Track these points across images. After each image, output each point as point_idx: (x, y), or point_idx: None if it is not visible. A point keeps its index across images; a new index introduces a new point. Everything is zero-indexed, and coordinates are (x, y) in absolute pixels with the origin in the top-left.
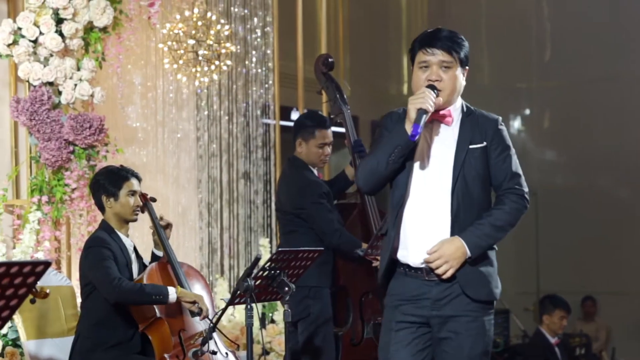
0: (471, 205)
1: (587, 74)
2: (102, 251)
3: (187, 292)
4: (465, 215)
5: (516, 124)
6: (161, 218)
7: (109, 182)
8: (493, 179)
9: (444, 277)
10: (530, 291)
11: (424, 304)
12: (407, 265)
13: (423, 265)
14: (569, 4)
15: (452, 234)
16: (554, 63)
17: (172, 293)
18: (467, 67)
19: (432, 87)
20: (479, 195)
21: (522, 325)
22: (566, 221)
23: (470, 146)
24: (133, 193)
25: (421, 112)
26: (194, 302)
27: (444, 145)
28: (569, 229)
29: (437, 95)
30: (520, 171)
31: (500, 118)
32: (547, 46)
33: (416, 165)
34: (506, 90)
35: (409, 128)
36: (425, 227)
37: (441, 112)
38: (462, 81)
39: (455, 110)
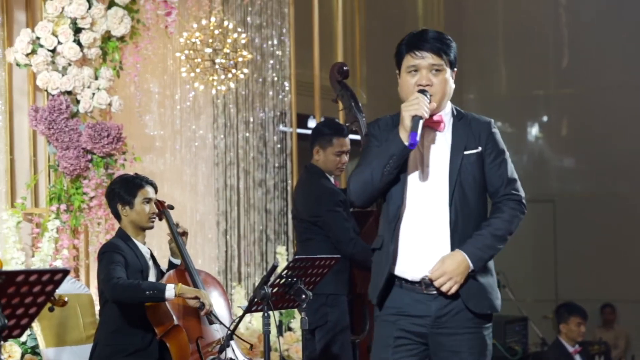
0: (469, 214)
1: (605, 80)
2: (113, 256)
3: (188, 288)
4: (463, 225)
5: (534, 131)
6: (177, 225)
7: (124, 190)
8: (489, 185)
9: (449, 293)
10: (549, 299)
11: (424, 322)
12: (405, 279)
13: (420, 279)
14: (585, 11)
15: (452, 245)
16: (572, 70)
17: (170, 289)
18: (455, 69)
19: (422, 92)
20: (476, 203)
21: (541, 333)
22: (584, 228)
23: (465, 152)
24: (148, 200)
25: (417, 119)
26: (195, 298)
27: (438, 152)
28: (588, 236)
29: (430, 101)
30: (515, 176)
31: (492, 121)
32: (565, 53)
33: (410, 175)
34: (524, 98)
35: (404, 136)
36: (424, 240)
37: (433, 118)
38: (452, 84)
39: (446, 115)
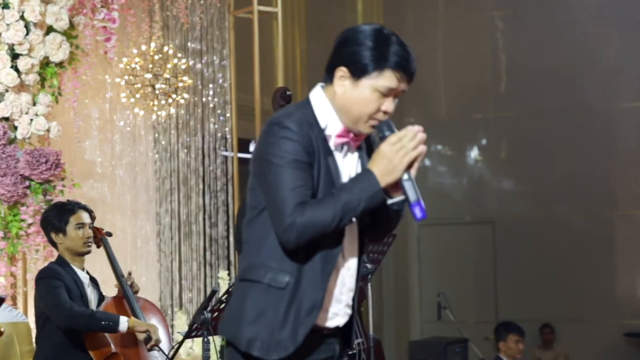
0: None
1: (542, 104)
2: (52, 281)
3: (141, 322)
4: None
5: (473, 154)
6: (131, 284)
7: (56, 217)
8: None
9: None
10: (489, 320)
11: None
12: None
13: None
14: (523, 36)
15: (356, 284)
16: (510, 94)
17: (124, 322)
18: None
19: (387, 124)
20: None
21: (481, 354)
22: (523, 250)
23: None
24: (81, 226)
25: (409, 175)
26: (146, 332)
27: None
28: (526, 258)
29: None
30: None
31: None
32: (503, 77)
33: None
34: (463, 121)
35: (384, 182)
36: (347, 281)
37: (356, 136)
38: None
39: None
